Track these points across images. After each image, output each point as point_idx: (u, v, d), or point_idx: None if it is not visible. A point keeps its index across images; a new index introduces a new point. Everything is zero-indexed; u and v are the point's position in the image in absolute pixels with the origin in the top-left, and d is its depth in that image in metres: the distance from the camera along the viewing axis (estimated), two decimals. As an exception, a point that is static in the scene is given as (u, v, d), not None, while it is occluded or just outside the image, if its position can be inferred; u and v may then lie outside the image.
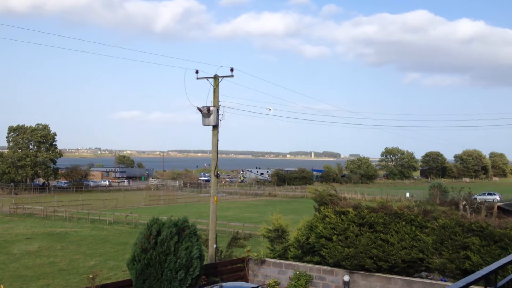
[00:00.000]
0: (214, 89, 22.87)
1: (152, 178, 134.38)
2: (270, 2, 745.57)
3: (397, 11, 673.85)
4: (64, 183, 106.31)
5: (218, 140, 22.90)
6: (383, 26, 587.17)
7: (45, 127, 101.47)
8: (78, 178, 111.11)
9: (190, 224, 18.28)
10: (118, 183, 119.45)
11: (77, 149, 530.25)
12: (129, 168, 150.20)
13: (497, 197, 75.52)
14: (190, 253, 17.15)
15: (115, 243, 40.06)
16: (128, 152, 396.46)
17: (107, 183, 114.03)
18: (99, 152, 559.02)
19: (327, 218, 19.98)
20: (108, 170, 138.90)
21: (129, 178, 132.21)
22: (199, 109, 22.25)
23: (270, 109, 27.67)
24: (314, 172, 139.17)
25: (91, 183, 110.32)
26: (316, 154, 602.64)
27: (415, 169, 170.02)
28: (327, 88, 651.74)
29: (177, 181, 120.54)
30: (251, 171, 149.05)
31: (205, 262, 20.70)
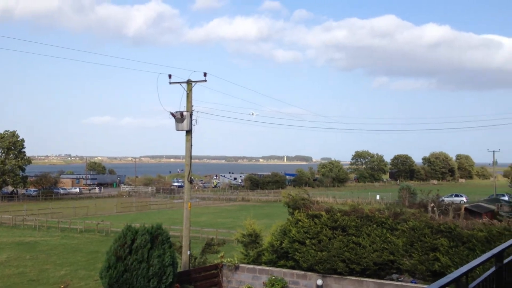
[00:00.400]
0: (188, 94, 22.90)
1: (124, 184, 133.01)
2: (242, 7, 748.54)
3: (366, 16, 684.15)
4: (34, 191, 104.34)
5: (191, 145, 22.93)
6: (353, 31, 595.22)
7: (13, 133, 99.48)
8: (47, 186, 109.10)
9: (164, 231, 18.26)
10: (89, 190, 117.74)
11: (47, 156, 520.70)
12: (100, 175, 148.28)
13: (464, 199, 77.22)
14: (163, 260, 17.12)
15: (86, 252, 39.58)
16: (99, 158, 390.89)
17: (78, 191, 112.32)
18: (69, 158, 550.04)
19: (300, 222, 20.22)
20: (78, 177, 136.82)
21: (100, 185, 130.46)
22: (172, 114, 22.24)
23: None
24: (287, 176, 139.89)
25: (61, 191, 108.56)
26: (289, 158, 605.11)
27: (384, 172, 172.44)
28: (299, 92, 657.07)
29: (150, 187, 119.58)
30: (224, 176, 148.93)
31: (179, 269, 20.67)
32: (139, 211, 75.30)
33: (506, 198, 61.29)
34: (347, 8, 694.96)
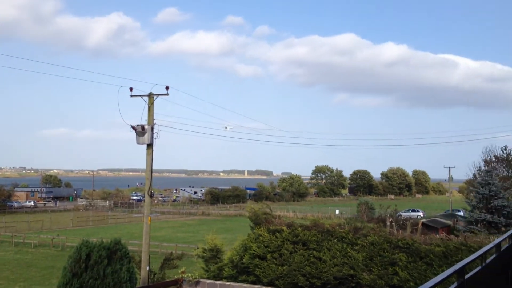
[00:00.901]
0: (149, 107, 22.68)
1: (81, 198, 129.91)
2: (205, 22, 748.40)
3: (326, 33, 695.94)
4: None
5: (152, 159, 22.66)
6: (314, 48, 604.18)
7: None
8: (1, 199, 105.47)
9: (122, 246, 17.90)
10: (44, 203, 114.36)
11: (0, 169, 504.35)
12: (56, 188, 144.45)
13: (421, 214, 78.75)
14: (119, 276, 16.77)
15: (40, 267, 38.39)
16: (55, 171, 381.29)
17: (32, 204, 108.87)
18: (23, 171, 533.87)
19: (261, 237, 20.19)
20: (33, 190, 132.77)
21: (56, 198, 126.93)
22: (133, 127, 21.97)
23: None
24: (248, 191, 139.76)
25: (15, 204, 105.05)
26: (249, 172, 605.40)
27: (344, 186, 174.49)
28: (261, 107, 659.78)
29: (108, 201, 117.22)
30: (184, 190, 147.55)
31: (138, 285, 20.27)
32: (96, 226, 73.65)
33: (461, 213, 62.85)
34: (309, 26, 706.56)
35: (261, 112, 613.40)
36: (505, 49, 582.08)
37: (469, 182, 58.98)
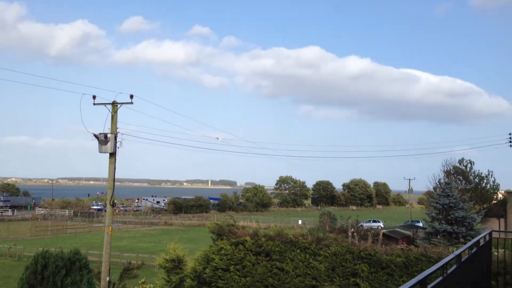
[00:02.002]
0: (112, 115, 22.37)
1: (39, 207, 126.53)
2: (171, 31, 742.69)
3: (292, 46, 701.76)
4: None
5: (115, 168, 22.32)
6: (279, 60, 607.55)
7: None
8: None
9: (82, 256, 17.51)
10: (1, 213, 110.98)
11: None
12: (14, 197, 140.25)
13: (381, 224, 80.00)
14: (78, 287, 16.39)
15: (-4, 278, 37.18)
16: (13, 179, 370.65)
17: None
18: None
19: (223, 250, 20.09)
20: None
21: (13, 207, 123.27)
22: (95, 136, 21.61)
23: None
24: (211, 200, 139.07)
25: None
26: (213, 182, 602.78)
27: (306, 197, 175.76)
28: (226, 118, 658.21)
29: (67, 211, 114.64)
30: (147, 199, 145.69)
31: (98, 296, 19.85)
32: (54, 235, 71.89)
33: (421, 224, 64.12)
34: (275, 38, 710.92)
35: (227, 123, 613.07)
36: (465, 64, 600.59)
37: (428, 194, 60.26)
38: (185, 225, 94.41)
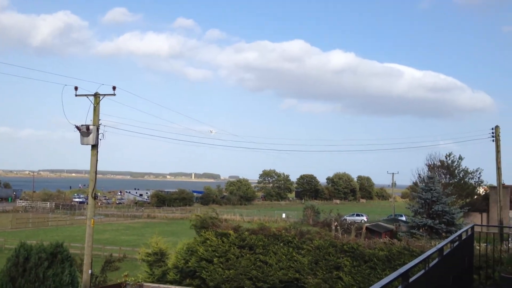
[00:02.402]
0: (95, 107, 22.09)
1: (20, 199, 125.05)
2: (155, 23, 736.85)
3: (276, 39, 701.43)
4: None
5: (97, 160, 22.07)
6: (263, 53, 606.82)
7: None
8: None
9: (64, 249, 17.34)
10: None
11: None
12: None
13: (365, 218, 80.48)
14: (60, 280, 16.23)
15: (-25, 270, 36.68)
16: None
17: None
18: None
19: (208, 241, 20.02)
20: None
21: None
22: (77, 127, 21.33)
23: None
24: (195, 194, 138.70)
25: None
26: (197, 175, 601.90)
27: (290, 190, 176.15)
28: (210, 110, 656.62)
29: (49, 203, 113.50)
30: (129, 192, 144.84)
31: (79, 289, 19.65)
32: (36, 228, 71.12)
33: (403, 218, 64.65)
34: (259, 31, 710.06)
35: (211, 116, 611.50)
36: (448, 59, 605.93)
37: (411, 188, 60.75)
38: (168, 218, 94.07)
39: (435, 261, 6.95)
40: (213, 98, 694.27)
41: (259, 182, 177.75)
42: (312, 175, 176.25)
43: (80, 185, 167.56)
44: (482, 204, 55.17)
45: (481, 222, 51.84)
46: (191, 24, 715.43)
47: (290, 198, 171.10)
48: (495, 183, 42.62)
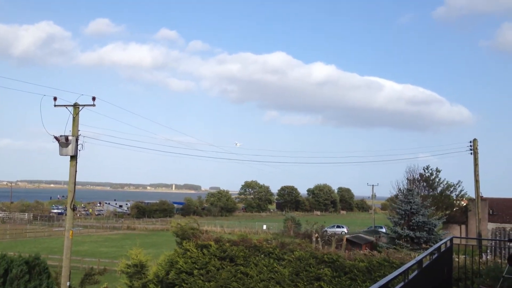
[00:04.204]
0: (74, 117, 21.92)
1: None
2: (137, 34, 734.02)
3: (259, 51, 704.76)
4: None
5: (76, 171, 21.85)
6: (246, 65, 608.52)
7: None
8: None
9: (41, 261, 17.10)
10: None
11: None
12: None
13: (345, 230, 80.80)
14: (39, 292, 16.00)
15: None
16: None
17: None
18: None
19: (188, 253, 19.88)
20: None
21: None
22: (56, 138, 21.13)
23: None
24: (175, 205, 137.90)
25: None
26: (177, 187, 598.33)
27: (271, 202, 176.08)
28: (192, 122, 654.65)
29: (26, 214, 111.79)
30: (109, 203, 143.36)
31: (57, 302, 19.35)
32: (13, 239, 69.93)
33: (383, 230, 65.06)
34: (242, 43, 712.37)
35: (193, 127, 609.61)
36: (427, 73, 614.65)
37: (391, 200, 61.21)
38: (148, 230, 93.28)
39: (414, 273, 7.02)
40: (196, 109, 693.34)
41: (240, 194, 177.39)
42: (293, 187, 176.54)
43: (58, 196, 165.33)
44: (462, 217, 55.77)
45: (460, 234, 52.43)
46: (174, 35, 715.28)
47: (271, 210, 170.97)
48: (473, 196, 43.17)
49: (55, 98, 21.80)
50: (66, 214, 23.85)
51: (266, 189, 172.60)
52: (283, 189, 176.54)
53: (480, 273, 12.62)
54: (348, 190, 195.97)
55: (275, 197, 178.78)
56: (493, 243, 23.75)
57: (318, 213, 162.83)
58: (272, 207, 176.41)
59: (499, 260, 16.03)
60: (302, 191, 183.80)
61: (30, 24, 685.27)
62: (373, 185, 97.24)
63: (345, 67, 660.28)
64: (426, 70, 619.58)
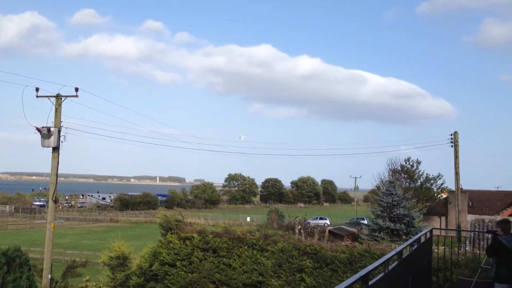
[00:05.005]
0: (56, 109, 21.74)
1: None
2: (123, 25, 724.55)
3: (245, 44, 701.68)
4: None
5: (58, 163, 21.69)
6: (232, 58, 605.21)
7: None
8: None
9: (22, 253, 16.98)
10: None
11: None
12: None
13: (328, 221, 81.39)
14: (19, 285, 15.91)
15: None
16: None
17: None
18: None
19: (171, 244, 19.91)
20: None
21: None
22: (38, 129, 20.94)
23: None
24: (159, 197, 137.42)
25: None
26: (161, 179, 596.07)
27: (255, 194, 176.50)
28: (177, 114, 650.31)
29: (8, 206, 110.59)
30: (91, 195, 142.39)
31: (39, 294, 19.25)
32: (-6, 232, 69.21)
33: (365, 221, 65.63)
34: (228, 35, 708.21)
35: (178, 119, 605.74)
36: (410, 67, 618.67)
37: (373, 192, 61.72)
38: (131, 222, 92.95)
39: (394, 264, 7.13)
40: (181, 101, 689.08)
41: (224, 186, 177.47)
42: (277, 179, 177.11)
43: (41, 188, 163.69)
44: (441, 208, 56.46)
45: (440, 226, 53.10)
46: (160, 26, 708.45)
47: (255, 202, 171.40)
48: (453, 188, 43.74)
49: (37, 89, 21.58)
50: (48, 207, 23.70)
51: (251, 182, 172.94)
52: (267, 181, 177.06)
53: (459, 264, 12.84)
54: (331, 182, 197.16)
55: (259, 189, 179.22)
56: (472, 235, 24.18)
57: (302, 205, 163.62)
58: (256, 199, 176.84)
59: (478, 251, 16.33)
60: (286, 183, 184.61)
61: (15, 14, 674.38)
62: (356, 178, 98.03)
63: (330, 60, 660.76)
64: (410, 64, 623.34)
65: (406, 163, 58.73)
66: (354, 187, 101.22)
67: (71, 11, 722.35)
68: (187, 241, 19.73)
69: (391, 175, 55.91)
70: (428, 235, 11.90)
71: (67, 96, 22.01)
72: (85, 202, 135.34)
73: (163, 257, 19.69)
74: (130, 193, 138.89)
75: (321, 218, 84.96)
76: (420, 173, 58.85)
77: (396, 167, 58.12)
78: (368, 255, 17.06)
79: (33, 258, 22.24)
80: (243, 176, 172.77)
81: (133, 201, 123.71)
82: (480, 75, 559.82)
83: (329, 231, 50.00)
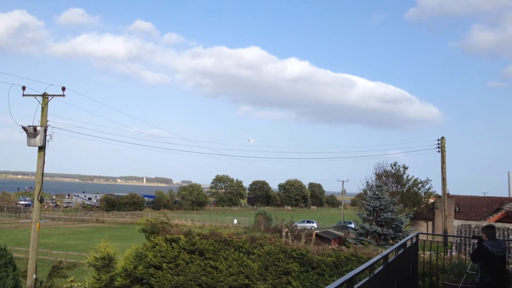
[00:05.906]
0: (43, 108, 21.54)
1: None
2: (112, 25, 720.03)
3: (233, 46, 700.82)
4: None
5: (44, 162, 21.49)
6: (220, 59, 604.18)
7: None
8: None
9: (7, 253, 16.79)
10: None
11: None
12: None
13: (315, 225, 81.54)
14: (4, 284, 15.74)
15: None
16: None
17: None
18: None
19: (157, 246, 19.80)
20: None
21: None
22: (24, 128, 20.73)
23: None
24: (146, 198, 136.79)
25: None
26: (148, 180, 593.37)
27: (242, 196, 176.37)
28: (165, 115, 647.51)
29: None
30: (77, 195, 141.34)
31: (22, 295, 19.03)
32: (-22, 231, 68.43)
33: (352, 225, 65.84)
34: (217, 36, 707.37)
35: (166, 120, 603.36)
36: (397, 71, 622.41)
37: (360, 196, 61.91)
38: (117, 223, 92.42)
39: (380, 268, 7.14)
40: (169, 102, 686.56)
41: (211, 187, 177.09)
42: (265, 182, 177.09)
43: (26, 188, 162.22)
44: (428, 213, 56.78)
45: (427, 231, 53.38)
46: (149, 27, 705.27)
47: (242, 204, 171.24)
48: (440, 193, 44.00)
49: (23, 88, 21.37)
50: (33, 206, 23.47)
51: (238, 184, 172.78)
52: (254, 183, 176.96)
53: (445, 269, 12.89)
54: (319, 186, 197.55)
55: (246, 192, 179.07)
56: (458, 240, 24.29)
57: (289, 208, 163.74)
58: (244, 201, 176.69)
59: (463, 257, 16.42)
60: (274, 186, 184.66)
61: (3, 13, 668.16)
62: (343, 181, 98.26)
63: (319, 63, 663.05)
64: (398, 69, 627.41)
65: (392, 168, 58.99)
66: (342, 191, 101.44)
67: (60, 10, 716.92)
68: (173, 243, 19.63)
69: (378, 179, 56.10)
70: (414, 239, 11.93)
71: (53, 95, 21.83)
72: (71, 202, 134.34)
73: (150, 259, 19.57)
74: (116, 194, 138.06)
75: (308, 222, 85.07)
76: (408, 177, 59.14)
77: (383, 172, 58.36)
78: (355, 259, 17.09)
79: (17, 258, 22.01)
80: (230, 178, 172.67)
81: (119, 202, 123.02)
82: (468, 80, 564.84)
83: (316, 234, 50.05)
